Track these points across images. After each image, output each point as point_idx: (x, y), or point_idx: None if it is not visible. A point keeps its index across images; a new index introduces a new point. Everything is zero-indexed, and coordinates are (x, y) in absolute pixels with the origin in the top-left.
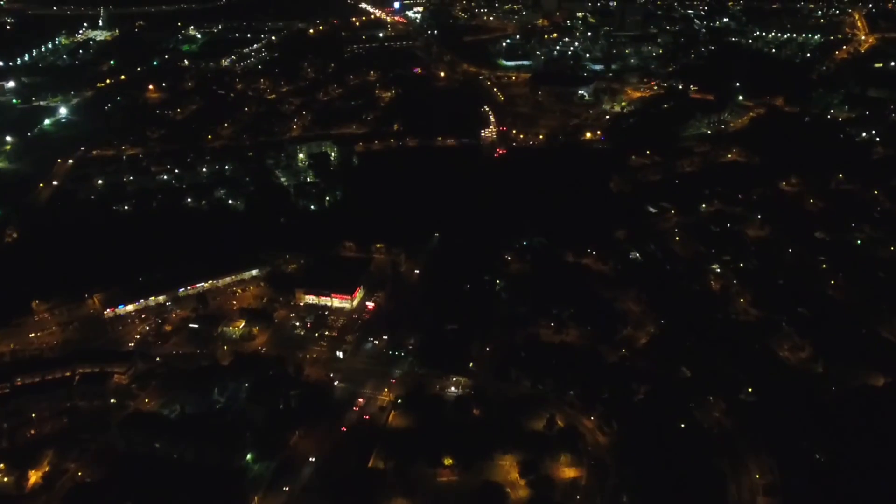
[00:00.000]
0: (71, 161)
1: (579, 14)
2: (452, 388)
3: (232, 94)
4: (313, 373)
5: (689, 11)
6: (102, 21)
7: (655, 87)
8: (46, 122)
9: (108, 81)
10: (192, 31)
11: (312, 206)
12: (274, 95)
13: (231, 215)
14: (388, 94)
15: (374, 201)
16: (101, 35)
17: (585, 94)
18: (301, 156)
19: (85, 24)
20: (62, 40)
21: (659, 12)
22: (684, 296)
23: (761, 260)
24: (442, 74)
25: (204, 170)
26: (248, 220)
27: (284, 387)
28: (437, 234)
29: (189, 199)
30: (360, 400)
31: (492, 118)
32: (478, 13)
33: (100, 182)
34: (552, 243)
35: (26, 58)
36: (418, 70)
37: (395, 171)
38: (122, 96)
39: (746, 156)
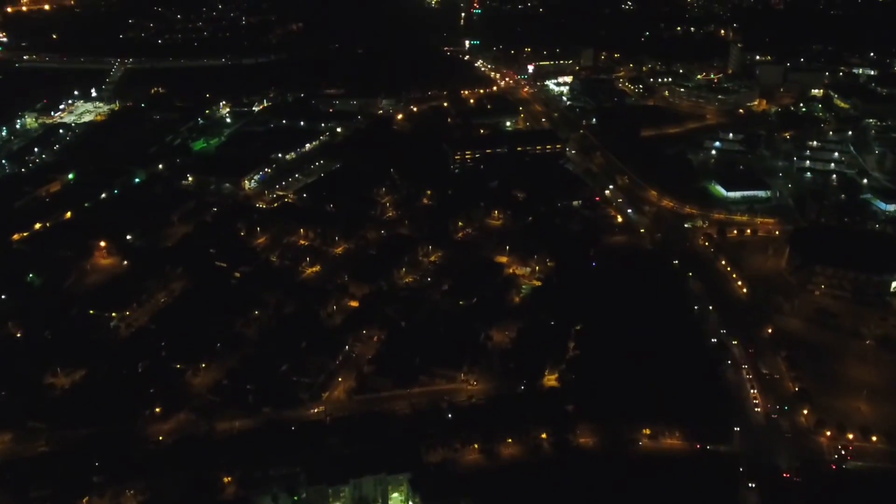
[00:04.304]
0: None
1: (816, 92)
2: None
3: (237, 274)
4: None
5: None
6: (106, 87)
7: None
8: None
9: (37, 226)
10: (222, 108)
11: None
12: (317, 268)
13: None
14: (527, 271)
15: None
16: (90, 112)
17: None
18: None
19: (76, 93)
20: (28, 120)
21: None
22: None
23: None
24: (619, 218)
25: None
26: None
27: None
28: None
29: None
30: None
31: (746, 369)
32: (655, 86)
33: None
34: None
35: None
36: (575, 203)
37: None
38: (39, 269)
39: None
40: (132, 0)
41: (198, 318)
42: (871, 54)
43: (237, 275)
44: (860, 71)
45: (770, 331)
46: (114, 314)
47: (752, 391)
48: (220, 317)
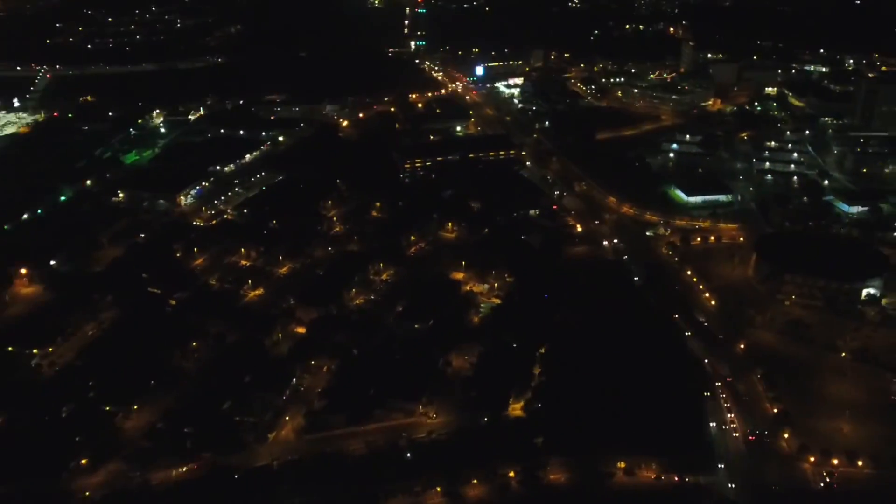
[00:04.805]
0: None
1: (770, 90)
2: None
3: (173, 301)
4: None
5: None
6: (31, 96)
7: None
8: None
9: None
10: (156, 117)
11: None
12: (260, 290)
13: None
14: (485, 288)
15: None
16: (13, 124)
17: (875, 292)
18: None
19: None
20: None
21: None
22: None
23: None
24: (578, 227)
25: None
26: None
27: None
28: None
29: None
30: None
31: (721, 390)
32: (608, 86)
33: None
34: None
35: None
36: (533, 213)
37: None
38: None
39: None
40: (61, 2)
41: (130, 352)
42: (822, 51)
43: (173, 302)
44: (812, 68)
45: (743, 346)
46: (35, 351)
47: (729, 415)
48: (154, 350)
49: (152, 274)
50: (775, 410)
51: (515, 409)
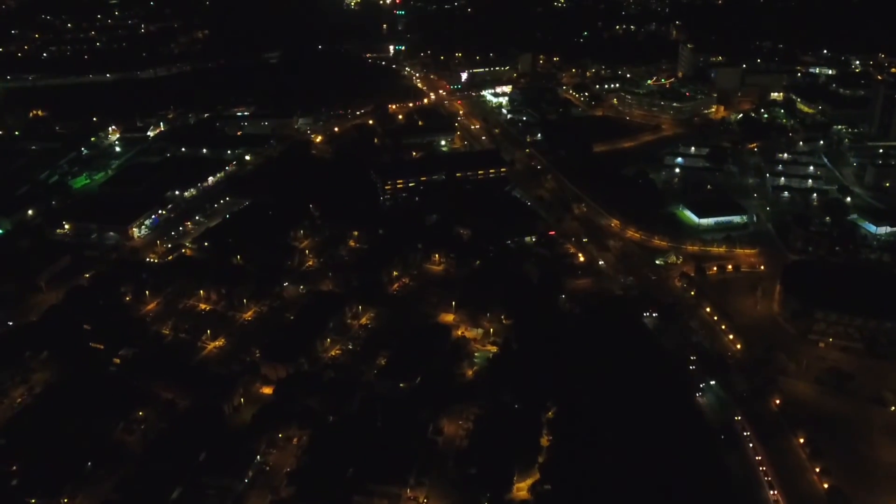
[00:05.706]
0: None
1: (776, 95)
2: None
3: (117, 360)
4: None
5: None
6: None
7: None
8: None
9: None
10: (111, 134)
11: None
12: (221, 341)
13: None
14: (479, 333)
15: None
16: None
17: None
18: None
19: None
20: None
21: None
22: None
23: None
24: (581, 257)
25: None
26: None
27: None
28: None
29: None
30: None
31: (764, 470)
32: (602, 93)
33: None
34: None
35: None
36: (529, 240)
37: None
38: None
39: None
40: (17, 7)
41: (64, 425)
42: (825, 51)
43: (117, 360)
44: (818, 71)
45: (778, 402)
46: None
47: (771, 492)
48: (93, 422)
49: (95, 324)
50: (825, 486)
51: (521, 489)
